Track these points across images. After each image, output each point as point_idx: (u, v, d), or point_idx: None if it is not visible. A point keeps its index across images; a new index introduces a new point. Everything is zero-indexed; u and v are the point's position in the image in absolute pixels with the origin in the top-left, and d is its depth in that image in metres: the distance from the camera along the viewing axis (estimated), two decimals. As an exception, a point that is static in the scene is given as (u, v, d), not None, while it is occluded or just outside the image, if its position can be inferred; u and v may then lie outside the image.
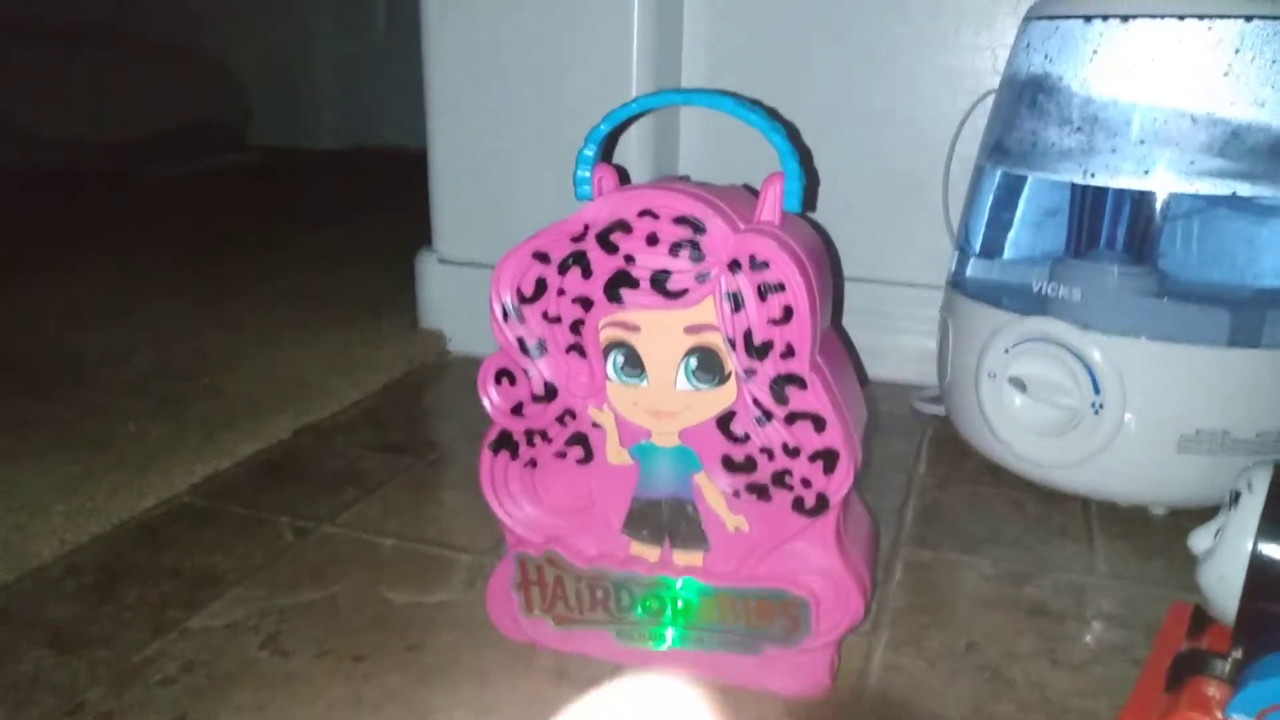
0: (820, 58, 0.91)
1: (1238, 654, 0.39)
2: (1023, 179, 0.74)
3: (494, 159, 0.96)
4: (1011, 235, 0.76)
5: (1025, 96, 0.71)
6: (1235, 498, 0.40)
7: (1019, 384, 0.70)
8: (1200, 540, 0.41)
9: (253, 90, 2.58)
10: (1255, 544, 0.38)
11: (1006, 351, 0.70)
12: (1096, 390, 0.66)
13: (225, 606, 0.55)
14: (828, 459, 0.44)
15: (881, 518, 0.68)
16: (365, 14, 2.55)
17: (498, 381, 0.48)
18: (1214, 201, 0.68)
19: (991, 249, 0.77)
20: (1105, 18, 0.65)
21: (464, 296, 1.00)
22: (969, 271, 0.78)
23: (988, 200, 0.76)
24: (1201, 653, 0.41)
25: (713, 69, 0.94)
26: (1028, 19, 0.72)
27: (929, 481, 0.75)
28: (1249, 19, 0.62)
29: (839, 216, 0.89)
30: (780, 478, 0.45)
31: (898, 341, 0.93)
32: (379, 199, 1.82)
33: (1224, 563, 0.39)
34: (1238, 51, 0.62)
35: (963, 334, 0.75)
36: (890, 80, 0.90)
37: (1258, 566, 0.38)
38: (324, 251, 1.46)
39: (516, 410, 0.48)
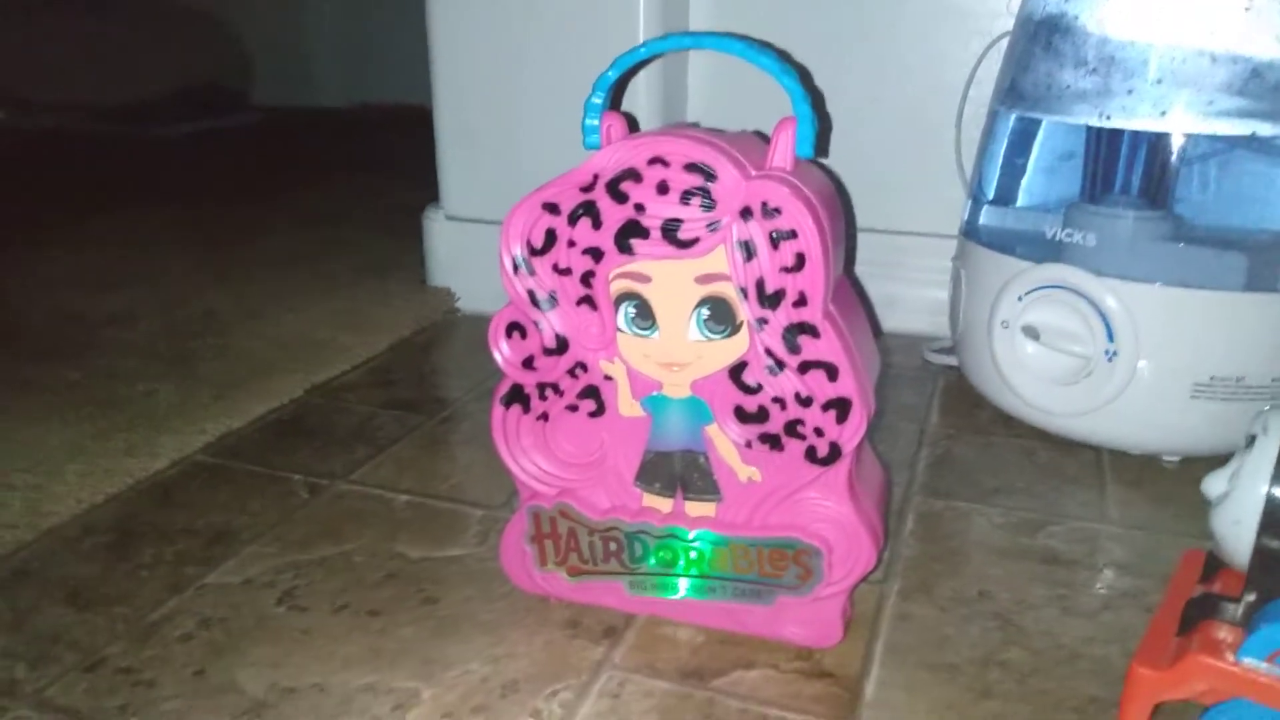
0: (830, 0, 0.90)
1: (1250, 598, 0.39)
2: (1037, 123, 0.73)
3: (500, 112, 0.95)
4: (1025, 181, 0.75)
5: (1040, 38, 0.69)
6: (1251, 441, 0.40)
7: (1032, 332, 0.69)
8: (1214, 485, 0.41)
9: (254, 50, 2.55)
10: (1270, 487, 0.38)
11: (1020, 299, 0.69)
12: (1110, 338, 0.65)
13: (241, 563, 0.55)
14: (841, 408, 0.44)
15: (894, 468, 0.68)
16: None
17: (508, 335, 0.48)
18: (1232, 143, 0.66)
19: (1005, 196, 0.76)
20: (1123, -46, 0.63)
21: (472, 253, 1.00)
22: (982, 219, 0.77)
23: (1001, 146, 0.75)
24: (1214, 597, 0.41)
25: (720, 12, 0.93)
26: (1043, -44, 0.70)
27: (941, 432, 0.75)
28: (1272, -48, 0.60)
29: (850, 163, 0.88)
30: (793, 427, 0.45)
31: (910, 292, 0.92)
32: (385, 157, 1.80)
33: (1238, 507, 0.39)
34: (1260, -13, 0.60)
35: (976, 283, 0.75)
36: (903, 23, 0.88)
37: (1272, 509, 0.38)
38: (330, 211, 1.45)
39: (528, 363, 0.48)
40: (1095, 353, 0.66)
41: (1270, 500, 0.38)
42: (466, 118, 0.97)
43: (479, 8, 0.92)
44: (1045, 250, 0.69)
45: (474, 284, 1.01)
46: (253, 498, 0.63)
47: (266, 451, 0.70)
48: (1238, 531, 0.39)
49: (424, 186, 1.03)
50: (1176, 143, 0.67)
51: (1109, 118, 0.65)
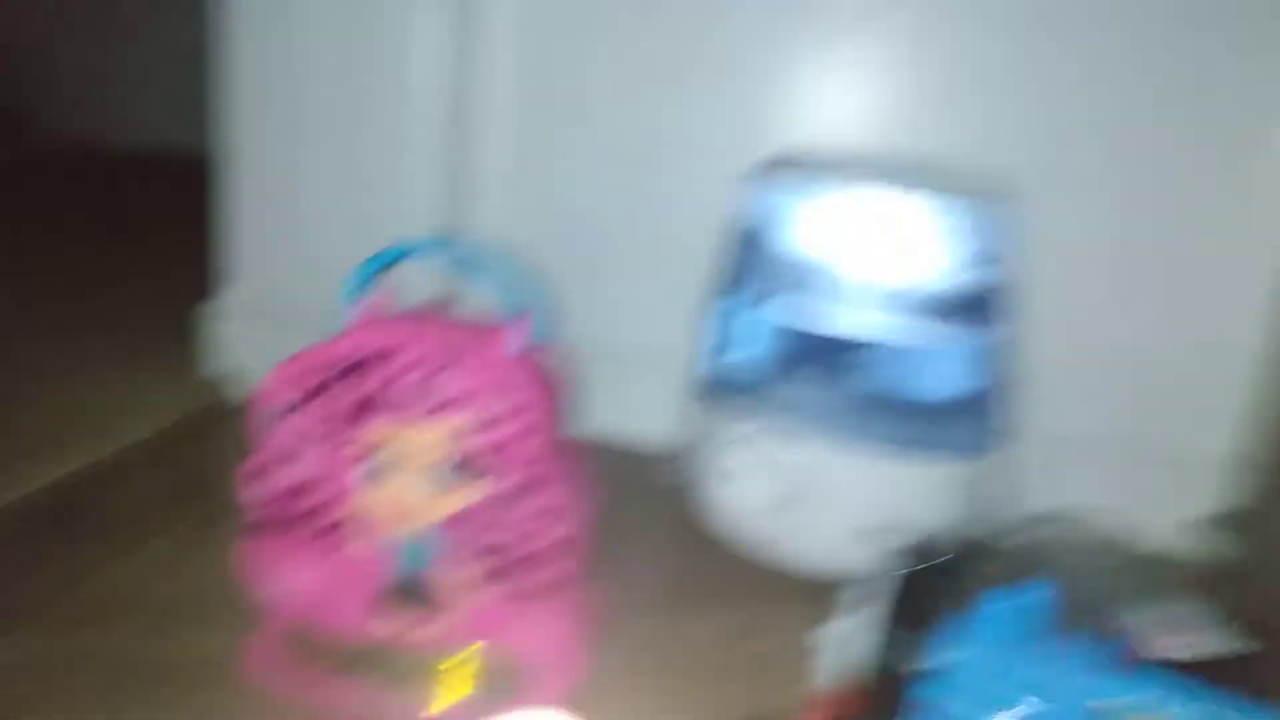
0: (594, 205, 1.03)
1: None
2: (745, 309, 0.88)
3: (283, 215, 1.00)
4: (740, 350, 0.89)
5: (742, 244, 0.84)
6: (862, 592, 0.53)
7: (736, 472, 0.82)
8: (826, 650, 0.53)
9: (49, 74, 2.43)
10: (885, 646, 0.50)
11: (729, 445, 0.83)
12: (795, 485, 0.79)
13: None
14: (554, 548, 0.54)
15: (624, 576, 0.78)
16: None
17: (262, 473, 0.55)
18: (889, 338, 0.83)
19: (724, 360, 0.90)
20: (802, 192, 0.79)
21: (246, 346, 1.04)
22: (708, 376, 0.90)
23: (723, 318, 0.89)
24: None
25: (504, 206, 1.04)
26: (747, 182, 0.85)
27: (668, 545, 0.86)
28: (909, 195, 0.77)
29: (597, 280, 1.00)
30: (519, 561, 0.55)
31: (654, 414, 1.05)
32: (135, 205, 1.78)
33: (843, 642, 0.52)
34: (903, 223, 0.78)
35: (700, 426, 0.88)
36: (674, 211, 1.03)
37: (884, 663, 0.50)
38: (94, 272, 1.43)
39: (277, 500, 0.55)
40: (783, 495, 0.80)
41: (882, 658, 0.51)
42: (248, 227, 1.01)
43: (270, 124, 0.98)
44: (753, 408, 0.83)
45: (248, 372, 1.04)
46: (15, 580, 0.65)
47: (32, 536, 0.71)
48: (838, 661, 0.52)
49: (183, 240, 1.05)
50: (847, 334, 0.83)
51: (786, 318, 0.80)
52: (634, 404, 1.05)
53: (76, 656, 0.60)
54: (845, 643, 0.52)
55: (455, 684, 0.56)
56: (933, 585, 0.50)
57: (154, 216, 1.84)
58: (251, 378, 1.03)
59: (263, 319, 1.04)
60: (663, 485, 0.99)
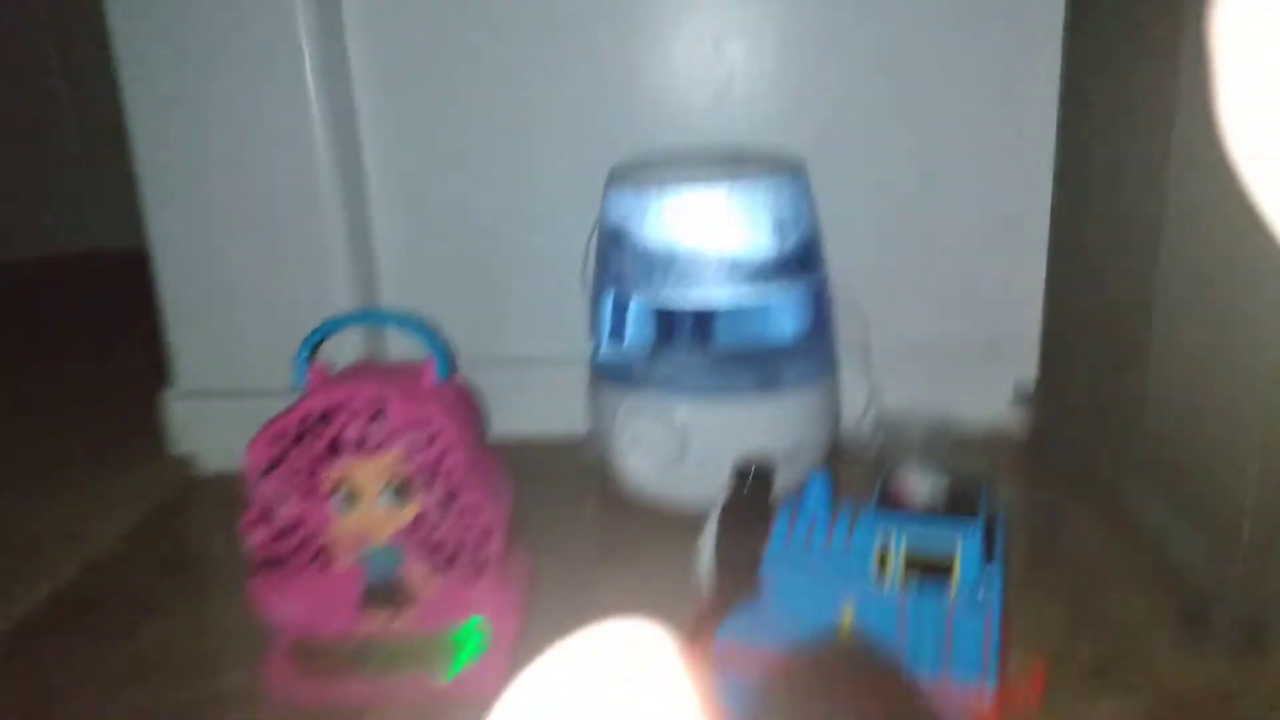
0: (478, 227, 1.19)
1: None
2: (619, 297, 1.05)
3: (222, 303, 1.14)
4: (621, 334, 1.07)
5: (610, 241, 1.02)
6: (709, 515, 0.71)
7: (635, 438, 1.01)
8: (698, 550, 0.72)
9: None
10: (718, 544, 0.69)
11: (624, 415, 1.00)
12: (682, 436, 0.98)
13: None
14: (484, 536, 0.71)
15: (557, 546, 0.96)
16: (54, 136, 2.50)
17: (255, 524, 0.71)
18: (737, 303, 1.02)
19: (609, 342, 1.08)
20: (650, 189, 0.97)
21: (207, 424, 1.17)
22: (599, 358, 1.08)
23: (603, 310, 1.06)
24: (707, 614, 0.72)
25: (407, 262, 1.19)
26: (607, 184, 1.03)
27: (590, 511, 1.04)
28: (732, 185, 0.96)
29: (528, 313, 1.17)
30: (456, 552, 0.72)
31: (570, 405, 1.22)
32: (85, 313, 1.87)
33: (703, 560, 0.70)
34: (726, 207, 0.96)
35: (599, 404, 1.05)
36: (551, 221, 1.19)
37: (717, 560, 0.69)
38: (53, 388, 1.53)
39: (272, 542, 0.71)
40: (674, 448, 0.98)
41: (716, 556, 0.69)
42: (193, 307, 1.15)
43: (199, 234, 1.12)
44: (637, 381, 1.01)
45: (212, 449, 1.18)
46: (54, 668, 0.80)
47: (57, 632, 0.86)
48: (705, 577, 0.70)
49: (143, 344, 1.18)
50: (704, 306, 1.01)
51: (659, 296, 0.98)
52: (549, 400, 1.22)
53: (128, 711, 0.75)
54: (707, 551, 0.70)
55: (460, 654, 0.73)
56: (756, 494, 0.69)
57: (96, 316, 1.93)
58: (214, 452, 1.17)
59: (216, 397, 1.17)
60: (583, 463, 1.17)
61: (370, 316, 0.76)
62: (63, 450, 1.25)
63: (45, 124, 2.47)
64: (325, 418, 0.69)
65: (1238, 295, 0.73)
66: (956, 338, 1.20)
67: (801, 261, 1.02)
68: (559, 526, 1.01)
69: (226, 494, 0.70)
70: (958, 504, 0.63)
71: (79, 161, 2.47)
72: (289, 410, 0.69)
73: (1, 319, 1.94)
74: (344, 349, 1.01)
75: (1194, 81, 0.80)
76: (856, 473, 1.09)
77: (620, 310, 1.07)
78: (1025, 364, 1.17)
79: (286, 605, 0.72)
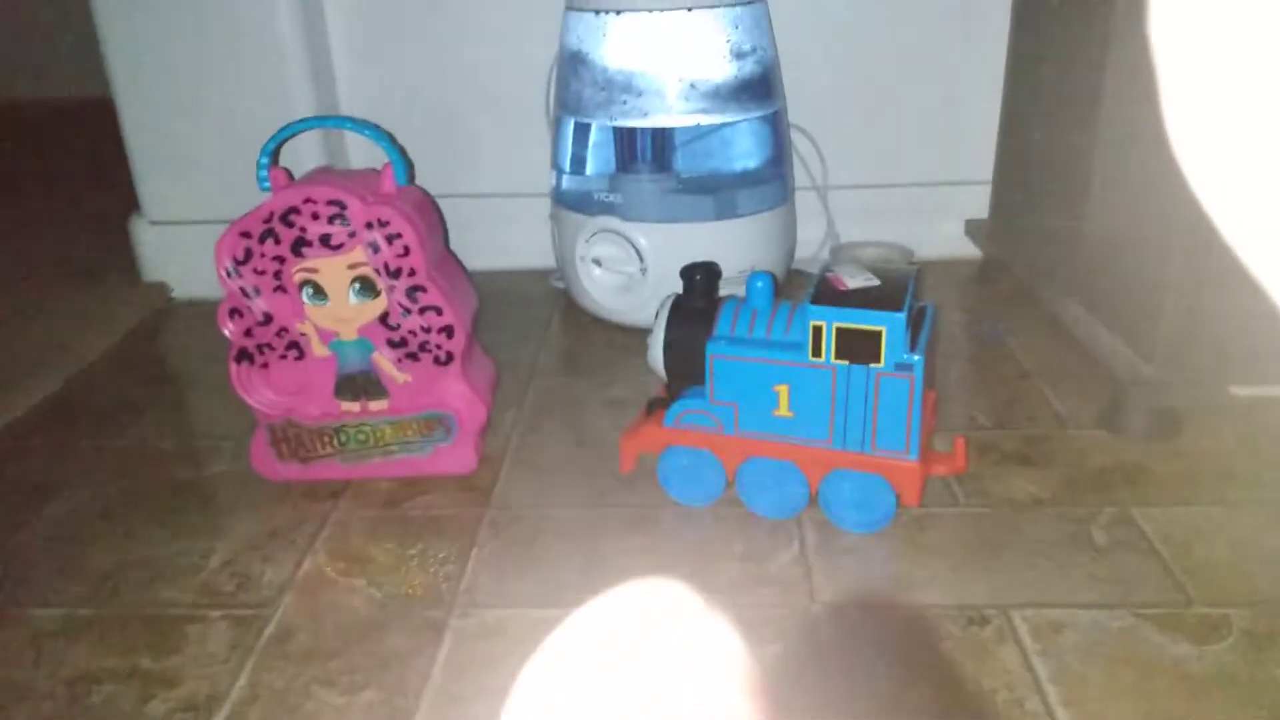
0: (439, 65, 1.18)
1: (667, 395, 0.75)
2: (580, 123, 1.07)
3: (188, 127, 1.15)
4: (583, 160, 1.09)
5: (570, 66, 1.03)
6: (659, 310, 0.76)
7: (596, 261, 1.04)
8: (651, 340, 0.77)
9: None
10: (666, 332, 0.74)
11: (587, 241, 1.04)
12: (641, 260, 1.02)
13: (67, 499, 0.78)
14: (448, 331, 0.76)
15: (524, 358, 1.01)
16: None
17: (231, 317, 0.75)
18: (695, 128, 1.04)
19: (572, 170, 1.10)
20: (607, 11, 0.98)
21: (178, 251, 1.20)
22: (562, 187, 1.10)
23: (564, 137, 1.08)
24: (658, 399, 0.77)
25: (361, 81, 1.18)
26: (565, 9, 1.03)
27: (556, 331, 1.09)
28: (689, 10, 0.96)
29: (485, 153, 1.18)
30: (423, 345, 0.76)
31: (539, 237, 1.25)
32: (53, 154, 1.86)
33: (655, 346, 0.75)
34: (685, 31, 0.97)
35: (562, 231, 1.09)
36: (513, 51, 1.19)
37: (667, 345, 0.74)
38: (31, 221, 1.54)
39: (247, 333, 0.75)
40: (634, 271, 1.02)
41: (666, 341, 0.74)
42: (155, 137, 1.16)
43: (159, 66, 1.11)
44: (599, 206, 1.04)
45: (184, 276, 1.21)
46: (57, 462, 0.85)
47: (50, 432, 0.90)
48: (657, 361, 0.75)
49: (111, 186, 1.20)
50: (660, 130, 1.03)
51: (615, 119, 1.00)
52: (513, 233, 1.25)
53: (123, 493, 0.81)
54: (658, 340, 0.75)
55: (430, 438, 0.78)
56: (703, 290, 0.73)
57: (63, 160, 1.92)
58: (185, 279, 1.20)
59: (184, 225, 1.19)
60: (550, 287, 1.21)
61: (329, 120, 0.78)
62: (39, 279, 1.27)
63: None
64: (288, 217, 0.72)
65: (1165, 140, 0.77)
66: (912, 176, 1.23)
67: (759, 90, 1.03)
68: (524, 344, 1.06)
69: (200, 317, 0.74)
70: (886, 298, 0.67)
71: (28, 7, 2.40)
72: (254, 210, 0.72)
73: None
74: (306, 164, 1.03)
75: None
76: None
77: (580, 137, 1.09)
78: (977, 202, 1.20)
79: (265, 392, 0.77)
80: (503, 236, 1.24)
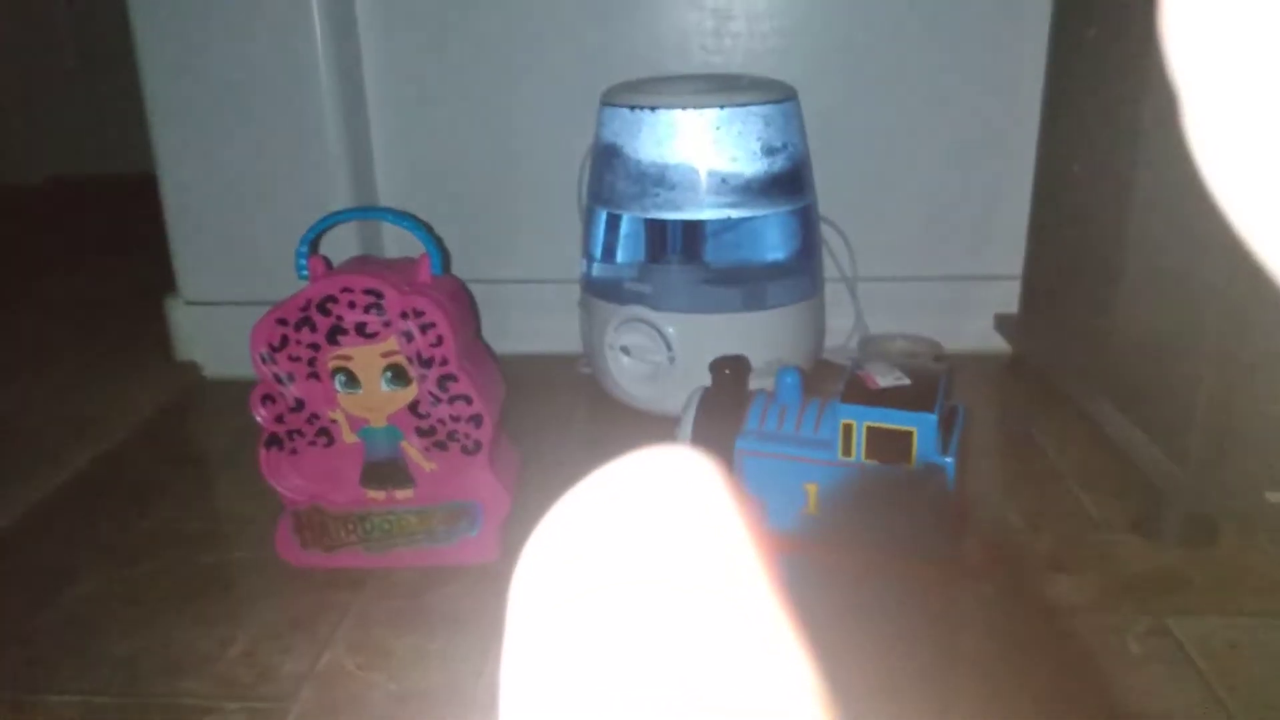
0: (475, 153, 1.22)
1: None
2: (612, 214, 1.09)
3: (225, 214, 1.18)
4: (613, 250, 1.11)
5: (603, 158, 1.05)
6: (687, 403, 0.76)
7: (625, 350, 1.05)
8: (679, 433, 0.76)
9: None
10: (694, 427, 0.74)
11: (615, 329, 1.05)
12: (670, 349, 1.02)
13: (89, 580, 0.78)
14: (476, 420, 0.76)
15: (549, 446, 1.00)
16: (52, 46, 2.52)
17: (263, 403, 0.75)
18: (726, 220, 1.05)
19: (602, 259, 1.12)
20: (642, 108, 1.00)
21: (211, 331, 1.22)
22: (592, 274, 1.12)
23: (595, 226, 1.10)
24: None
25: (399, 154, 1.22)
26: (601, 104, 1.06)
27: (583, 419, 1.09)
28: (722, 107, 0.99)
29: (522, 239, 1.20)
30: (451, 435, 0.76)
31: (567, 323, 1.26)
32: (90, 229, 1.91)
33: (683, 439, 0.75)
34: (718, 128, 0.99)
35: (591, 319, 1.10)
36: (547, 142, 1.22)
37: (695, 439, 0.73)
38: (59, 298, 1.58)
39: (279, 419, 0.75)
40: (662, 360, 1.03)
41: (693, 437, 0.74)
42: (196, 214, 1.19)
43: (204, 154, 1.15)
44: (628, 295, 1.05)
45: (216, 355, 1.23)
46: (81, 542, 0.85)
47: (77, 510, 0.91)
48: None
49: (147, 263, 1.22)
50: (692, 223, 1.05)
51: (650, 211, 1.02)
52: (543, 319, 1.26)
53: (145, 577, 0.81)
54: (685, 433, 0.74)
55: (455, 529, 0.78)
56: (732, 384, 0.73)
57: (98, 235, 1.97)
58: (217, 359, 1.22)
59: (219, 306, 1.22)
60: (578, 374, 1.21)
61: (369, 212, 0.80)
62: (70, 355, 1.30)
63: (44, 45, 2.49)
64: (325, 306, 0.73)
65: (1196, 240, 0.78)
66: (941, 270, 1.24)
67: (790, 185, 1.05)
68: (550, 431, 1.06)
69: (229, 397, 0.74)
70: (918, 397, 0.67)
71: (76, 83, 2.50)
72: (291, 298, 0.73)
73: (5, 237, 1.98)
74: (343, 250, 1.05)
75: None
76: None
77: (612, 227, 1.10)
78: (1007, 297, 1.20)
79: (293, 478, 0.77)
80: (532, 321, 1.26)
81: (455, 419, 0.76)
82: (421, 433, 0.76)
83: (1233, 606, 0.73)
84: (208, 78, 1.14)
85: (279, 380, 0.74)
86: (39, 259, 1.81)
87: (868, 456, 0.68)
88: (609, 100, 1.04)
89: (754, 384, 0.80)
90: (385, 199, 1.25)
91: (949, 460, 0.66)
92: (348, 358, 0.74)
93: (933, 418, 0.66)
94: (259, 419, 0.75)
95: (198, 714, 0.64)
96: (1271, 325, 0.86)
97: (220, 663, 0.69)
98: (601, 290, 1.09)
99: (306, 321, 0.73)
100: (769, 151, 1.02)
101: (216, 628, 0.73)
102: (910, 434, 0.66)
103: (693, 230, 1.06)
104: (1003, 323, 1.19)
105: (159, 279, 1.24)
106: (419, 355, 0.74)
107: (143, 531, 0.87)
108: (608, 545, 0.10)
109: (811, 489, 0.70)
